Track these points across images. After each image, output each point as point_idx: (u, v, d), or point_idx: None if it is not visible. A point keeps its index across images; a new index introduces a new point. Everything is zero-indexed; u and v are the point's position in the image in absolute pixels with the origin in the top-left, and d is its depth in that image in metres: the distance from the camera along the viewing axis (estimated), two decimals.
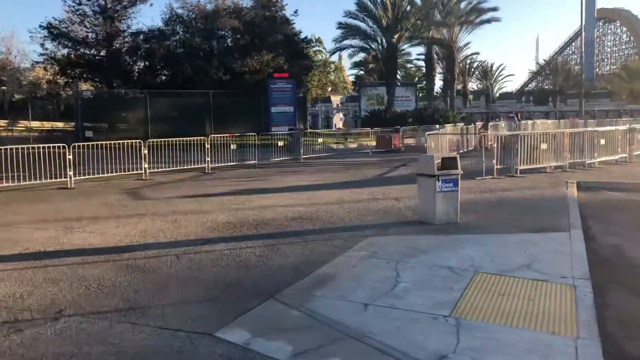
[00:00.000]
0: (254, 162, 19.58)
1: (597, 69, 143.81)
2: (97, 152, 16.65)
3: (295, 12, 36.49)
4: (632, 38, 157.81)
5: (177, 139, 18.00)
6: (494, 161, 14.69)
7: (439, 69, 77.41)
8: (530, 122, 34.04)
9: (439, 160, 8.43)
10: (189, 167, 17.68)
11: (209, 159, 17.89)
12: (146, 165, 16.16)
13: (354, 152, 24.56)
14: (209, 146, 17.95)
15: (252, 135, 20.22)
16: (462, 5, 44.14)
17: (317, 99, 59.56)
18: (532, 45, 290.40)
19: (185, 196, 12.41)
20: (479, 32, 53.52)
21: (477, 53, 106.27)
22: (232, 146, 18.86)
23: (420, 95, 61.18)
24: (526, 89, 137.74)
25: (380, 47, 38.42)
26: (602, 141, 16.73)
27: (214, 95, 29.26)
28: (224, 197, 12.10)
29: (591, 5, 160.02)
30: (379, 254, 6.70)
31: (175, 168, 17.38)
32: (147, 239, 7.95)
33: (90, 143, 18.03)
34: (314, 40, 46.40)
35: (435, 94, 73.25)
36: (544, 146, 15.23)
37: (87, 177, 15.28)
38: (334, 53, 37.03)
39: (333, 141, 26.33)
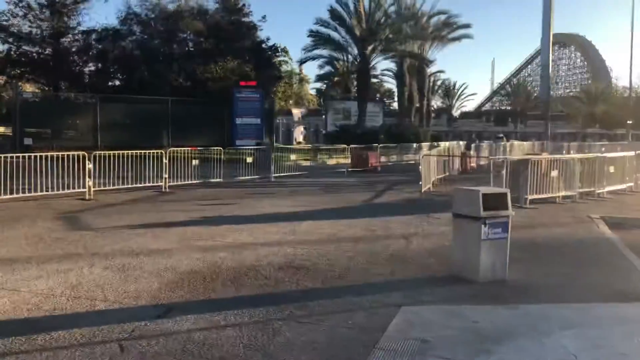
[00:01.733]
0: (218, 180, 17.12)
1: (552, 92, 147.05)
2: (33, 163, 13.81)
3: (263, 17, 34.34)
4: (585, 63, 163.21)
5: (130, 151, 15.34)
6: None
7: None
8: (507, 143, 32.73)
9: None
10: (143, 184, 15.07)
11: (166, 175, 15.32)
12: (90, 183, 13.46)
13: (328, 170, 22.37)
14: (166, 161, 15.38)
15: (216, 149, 17.72)
16: (434, 20, 43.01)
17: (279, 111, 57.33)
18: (487, 67, 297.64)
19: (138, 225, 9.86)
20: (444, 50, 52.88)
21: (442, 71, 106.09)
22: (193, 162, 16.33)
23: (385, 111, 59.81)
24: (483, 109, 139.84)
25: (352, 59, 36.57)
26: (612, 169, 15.11)
27: (173, 103, 26.65)
28: (186, 229, 9.63)
29: (547, 30, 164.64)
30: (434, 345, 4.44)
31: (126, 186, 14.72)
32: (78, 304, 5.45)
33: (24, 154, 15.16)
34: (279, 50, 44.23)
35: (393, 109, 72.22)
36: (554, 173, 13.43)
37: (15, 195, 12.50)
38: (303, 63, 35.07)
39: (304, 158, 24.08)
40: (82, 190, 13.40)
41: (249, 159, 18.29)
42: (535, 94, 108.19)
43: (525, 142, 36.60)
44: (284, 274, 6.68)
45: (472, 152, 24.16)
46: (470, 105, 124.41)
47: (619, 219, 11.52)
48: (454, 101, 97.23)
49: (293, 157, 21.27)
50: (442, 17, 44.00)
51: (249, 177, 18.39)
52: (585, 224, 10.75)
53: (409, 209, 12.50)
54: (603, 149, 33.78)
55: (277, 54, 36.83)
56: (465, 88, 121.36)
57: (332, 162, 25.86)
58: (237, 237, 8.97)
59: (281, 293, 5.90)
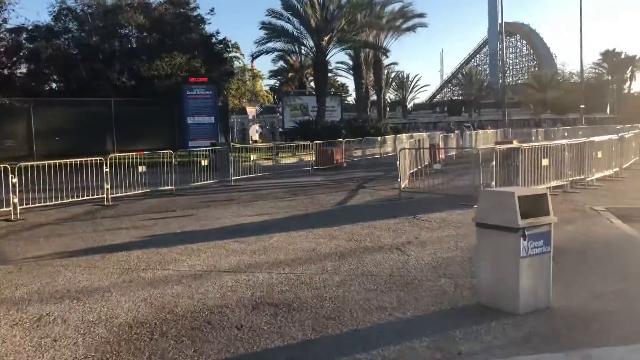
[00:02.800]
0: (171, 188, 15.17)
1: (500, 80, 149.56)
2: None
3: (211, 10, 31.96)
4: (531, 51, 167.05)
5: (65, 160, 13.24)
6: (493, 182, 11.38)
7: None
8: (473, 133, 31.78)
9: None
10: (82, 198, 13.00)
11: (108, 186, 13.30)
12: (16, 200, 11.36)
13: (292, 170, 20.65)
14: (107, 169, 13.35)
15: (166, 152, 15.73)
16: (389, 9, 41.71)
17: (232, 109, 55.17)
18: (436, 58, 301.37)
19: (69, 253, 7.98)
20: (399, 40, 51.78)
21: (395, 63, 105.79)
22: (140, 168, 14.33)
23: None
24: (434, 100, 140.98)
25: (307, 52, 34.88)
26: (599, 154, 14.03)
27: (116, 104, 24.35)
28: (131, 254, 7.80)
29: (494, 19, 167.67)
30: None
31: (61, 201, 12.64)
32: None
33: None
34: (230, 46, 42.01)
35: (347, 103, 70.99)
36: (545, 162, 12.18)
37: None
38: (256, 57, 33.10)
39: (264, 157, 22.29)
40: (7, 209, 11.30)
41: (204, 162, 16.39)
42: (486, 83, 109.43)
43: (489, 131, 35.86)
44: (261, 316, 5.00)
45: (441, 144, 22.92)
46: (422, 97, 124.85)
47: (625, 209, 10.34)
48: (408, 93, 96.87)
49: (253, 157, 19.45)
50: (397, 5, 42.85)
51: (206, 182, 16.51)
52: (594, 219, 9.48)
53: (391, 211, 10.99)
54: (566, 133, 33.35)
55: (228, 48, 34.87)
56: (418, 80, 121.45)
57: (294, 160, 24.19)
58: (195, 261, 7.21)
59: (261, 352, 4.23)
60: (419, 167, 17.70)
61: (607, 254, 7.11)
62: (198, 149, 19.22)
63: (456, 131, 29.41)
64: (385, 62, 57.84)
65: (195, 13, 30.23)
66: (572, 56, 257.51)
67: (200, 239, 8.72)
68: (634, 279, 5.94)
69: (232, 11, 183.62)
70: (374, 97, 61.00)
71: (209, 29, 31.81)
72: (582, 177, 13.50)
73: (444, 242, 8.02)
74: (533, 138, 27.21)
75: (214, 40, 30.56)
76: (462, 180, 14.42)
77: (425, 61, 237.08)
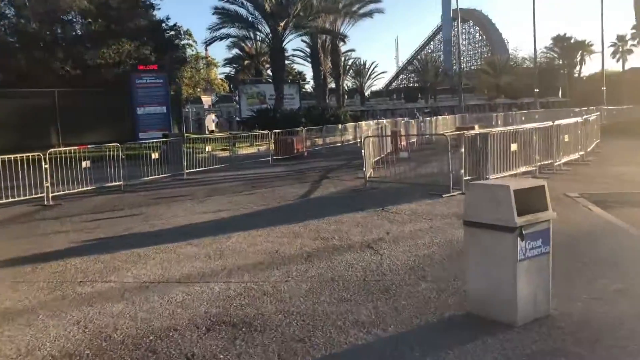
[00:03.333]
0: (118, 184, 14.06)
1: (455, 67, 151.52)
2: None
3: None
4: (484, 37, 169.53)
5: (1, 157, 12.01)
6: (462, 171, 10.83)
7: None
8: (433, 119, 31.45)
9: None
10: (19, 198, 11.80)
11: (48, 184, 12.13)
12: None
13: (250, 160, 19.72)
14: (47, 165, 12.18)
15: (112, 145, 14.55)
16: None
17: (187, 99, 53.54)
18: (390, 45, 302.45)
19: None
20: (355, 27, 50.91)
21: (352, 50, 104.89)
22: (84, 163, 13.17)
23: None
24: (390, 87, 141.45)
25: (264, 38, 33.75)
26: (566, 137, 13.72)
27: (60, 95, 22.79)
28: (67, 262, 6.85)
29: (447, 6, 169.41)
30: None
31: None
32: None
33: None
34: (182, 33, 40.34)
35: (305, 91, 69.97)
36: (513, 147, 11.73)
37: None
38: (209, 44, 31.72)
39: (221, 148, 21.28)
40: None
41: (155, 155, 15.30)
42: (441, 69, 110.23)
43: (448, 116, 35.71)
44: (216, 340, 4.20)
45: (402, 131, 22.39)
46: (379, 84, 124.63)
47: (599, 195, 9.95)
48: (365, 80, 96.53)
49: (208, 148, 18.42)
50: None
51: (157, 177, 15.44)
52: (572, 207, 9.03)
53: (358, 203, 10.31)
54: (523, 117, 33.50)
55: (180, 35, 33.40)
56: (375, 67, 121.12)
57: (253, 150, 23.26)
58: (141, 270, 6.33)
59: None
60: (382, 155, 17.15)
61: (595, 246, 6.62)
62: (149, 141, 18.05)
63: (418, 117, 29.01)
64: (343, 48, 57.18)
65: None
66: (524, 41, 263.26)
67: (148, 242, 7.80)
68: (632, 275, 5.41)
69: (190, 7, 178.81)
70: (332, 85, 60.36)
71: (159, 14, 30.35)
72: (550, 161, 13.16)
73: (418, 237, 7.38)
74: (493, 123, 27.05)
75: (164, 26, 29.10)
76: (428, 168, 13.92)
77: (380, 49, 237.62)
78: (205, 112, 75.49)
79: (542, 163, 12.88)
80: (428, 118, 29.45)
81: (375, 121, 31.63)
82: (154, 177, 15.30)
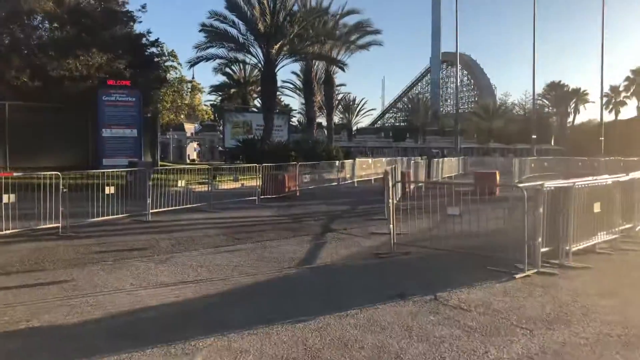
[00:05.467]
0: (56, 225, 10.52)
1: (442, 109, 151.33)
2: None
3: (143, 7, 26.87)
4: (472, 81, 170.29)
5: None
6: (538, 241, 7.56)
7: (301, 99, 72.09)
8: (440, 160, 28.46)
9: None
10: None
11: None
12: None
13: (233, 199, 16.19)
14: None
15: (51, 174, 10.99)
16: (344, 21, 38.05)
17: (169, 125, 50.12)
18: (376, 84, 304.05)
19: None
20: (352, 58, 48.10)
21: (343, 84, 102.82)
22: (5, 197, 9.63)
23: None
24: (376, 125, 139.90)
25: (255, 64, 30.70)
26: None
27: (11, 109, 19.27)
28: None
29: (437, 49, 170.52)
30: None
31: None
32: None
33: None
34: (166, 53, 37.12)
35: (291, 124, 66.83)
36: (596, 207, 8.56)
37: None
38: (194, 64, 28.42)
39: (199, 181, 17.81)
40: None
41: (109, 189, 11.75)
42: (431, 110, 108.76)
43: (453, 159, 32.83)
44: None
45: (411, 172, 19.28)
46: (364, 121, 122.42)
47: None
48: (354, 117, 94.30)
49: (181, 182, 14.92)
50: (352, 18, 39.17)
51: (111, 217, 11.91)
52: None
53: (391, 281, 7.01)
54: (545, 163, 30.72)
55: (164, 55, 30.25)
56: (365, 103, 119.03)
57: (236, 185, 19.80)
58: None
59: None
60: (398, 198, 13.89)
61: None
62: (109, 170, 14.57)
63: (420, 159, 26.03)
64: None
65: (122, 9, 25.54)
66: (512, 87, 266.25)
67: (45, 354, 4.34)
68: None
69: (172, 24, 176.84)
70: (319, 120, 57.49)
71: (140, 28, 27.25)
72: (631, 225, 10.01)
73: None
74: (513, 169, 24.10)
75: (144, 41, 25.95)
76: (467, 225, 10.62)
77: (366, 87, 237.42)
78: (187, 140, 72.11)
79: (623, 227, 9.72)
80: (436, 160, 26.43)
81: (376, 159, 28.54)
82: (107, 217, 11.76)
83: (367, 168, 25.71)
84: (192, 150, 72.88)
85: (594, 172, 26.92)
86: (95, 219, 11.50)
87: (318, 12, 30.79)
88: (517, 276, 7.14)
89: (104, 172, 12.64)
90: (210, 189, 16.13)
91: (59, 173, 10.74)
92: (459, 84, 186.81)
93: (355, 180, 23.98)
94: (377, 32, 38.85)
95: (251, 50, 29.67)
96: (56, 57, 21.03)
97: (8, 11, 20.72)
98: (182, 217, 13.03)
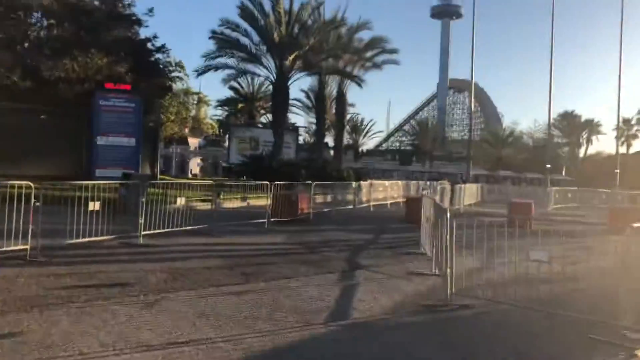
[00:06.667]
0: (24, 247, 8.54)
1: (448, 135, 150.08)
2: None
3: (150, 11, 25.18)
4: (479, 108, 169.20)
5: None
6: None
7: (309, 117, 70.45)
8: (463, 186, 26.51)
9: None
10: None
11: None
12: None
13: (239, 221, 14.16)
14: None
15: (21, 183, 9.04)
16: (359, 36, 36.30)
17: (172, 138, 48.35)
18: (380, 107, 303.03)
19: None
20: (366, 76, 46.27)
21: (352, 105, 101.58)
22: None
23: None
24: (381, 147, 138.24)
25: (268, 73, 28.93)
26: None
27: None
28: None
29: (444, 75, 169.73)
30: None
31: None
32: None
33: None
34: (173, 64, 35.41)
35: (299, 143, 65.09)
36: None
37: None
38: (202, 73, 26.73)
39: (202, 198, 15.82)
40: None
41: (92, 206, 9.77)
42: (440, 135, 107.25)
43: (474, 185, 30.90)
44: None
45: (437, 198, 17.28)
46: (370, 143, 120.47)
47: None
48: (361, 138, 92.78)
49: (180, 201, 12.92)
50: (367, 34, 37.47)
51: (95, 239, 9.90)
52: None
53: (462, 357, 4.99)
54: (557, 195, 28.76)
55: (167, 57, 28.20)
56: (373, 124, 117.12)
57: (242, 204, 17.85)
58: None
59: None
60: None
61: None
62: (101, 181, 12.63)
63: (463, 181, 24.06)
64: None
65: (128, 11, 23.92)
66: (520, 116, 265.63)
67: None
68: None
69: (181, 34, 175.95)
70: (326, 140, 55.69)
71: (145, 33, 25.56)
72: None
73: None
74: (547, 200, 22.16)
75: (149, 46, 24.27)
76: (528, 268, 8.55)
77: (371, 109, 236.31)
78: (190, 155, 70.35)
79: None
80: (460, 186, 24.50)
81: (402, 183, 26.59)
82: (90, 238, 9.76)
83: (383, 191, 23.75)
84: (194, 165, 71.11)
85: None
86: (75, 240, 9.51)
87: (334, 24, 29.11)
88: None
89: (89, 184, 10.69)
90: (213, 207, 14.10)
91: (30, 183, 8.79)
92: (466, 111, 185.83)
93: (372, 204, 22.01)
94: (393, 51, 37.26)
95: (263, 61, 28.02)
96: (52, 56, 19.29)
97: (2, 6, 19.03)
98: (180, 241, 11.04)
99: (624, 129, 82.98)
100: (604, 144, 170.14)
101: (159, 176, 22.02)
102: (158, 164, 23.76)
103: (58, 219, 9.56)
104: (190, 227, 12.04)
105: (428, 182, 29.14)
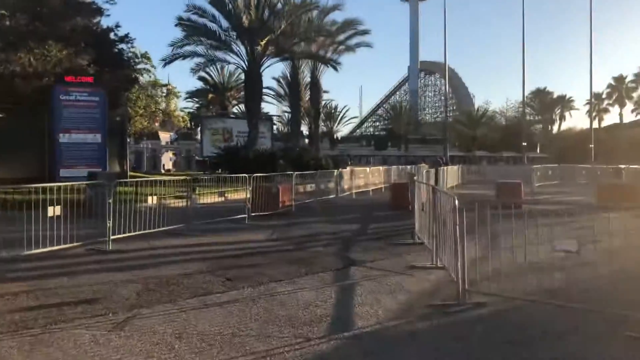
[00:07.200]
0: None
1: (421, 118, 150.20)
2: None
3: None
4: (450, 89, 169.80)
5: None
6: None
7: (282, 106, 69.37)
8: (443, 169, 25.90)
9: None
10: None
11: None
12: None
13: (217, 217, 13.18)
14: None
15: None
16: (330, 18, 35.19)
17: (142, 133, 46.82)
18: (352, 92, 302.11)
19: None
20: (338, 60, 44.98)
21: (327, 91, 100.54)
22: None
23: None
24: (355, 133, 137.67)
25: (239, 60, 27.73)
26: None
27: None
28: None
29: (415, 58, 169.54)
30: None
31: None
32: None
33: None
34: (138, 55, 33.83)
35: (273, 133, 63.84)
36: None
37: None
38: (170, 62, 25.36)
39: (176, 195, 14.80)
40: None
41: (53, 212, 8.75)
42: (413, 118, 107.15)
43: (455, 167, 30.43)
44: None
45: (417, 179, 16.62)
46: (344, 130, 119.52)
47: None
48: (336, 124, 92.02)
49: (152, 199, 11.91)
50: (339, 15, 36.50)
51: (59, 247, 8.87)
52: None
53: None
54: (538, 173, 28.46)
55: (132, 47, 26.64)
56: (347, 111, 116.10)
57: (219, 199, 16.91)
58: None
59: None
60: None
61: None
62: (65, 182, 11.56)
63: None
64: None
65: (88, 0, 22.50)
66: (491, 96, 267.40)
67: None
68: None
69: (146, 24, 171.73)
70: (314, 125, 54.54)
71: (107, 23, 24.22)
72: None
73: None
74: (530, 182, 21.72)
75: (112, 36, 22.94)
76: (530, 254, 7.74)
77: (344, 96, 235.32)
78: (162, 150, 68.61)
79: None
80: (442, 168, 23.90)
81: (382, 168, 25.87)
82: (52, 247, 8.75)
83: (364, 178, 23.01)
84: (167, 160, 69.44)
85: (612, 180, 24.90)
86: (35, 251, 8.48)
87: (306, 6, 27.99)
88: None
89: (52, 186, 9.63)
90: (189, 204, 13.06)
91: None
92: (437, 93, 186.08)
93: (354, 192, 21.25)
94: (366, 32, 36.32)
95: (233, 48, 26.85)
96: (4, 49, 17.92)
97: None
98: (154, 244, 10.10)
99: (596, 103, 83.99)
100: (577, 119, 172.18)
101: (129, 173, 20.90)
102: (127, 161, 22.55)
103: (16, 227, 8.52)
104: (164, 228, 11.07)
105: (409, 167, 28.54)
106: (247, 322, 5.46)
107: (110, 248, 9.45)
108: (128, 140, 33.40)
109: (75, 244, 9.14)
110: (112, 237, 9.60)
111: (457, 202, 6.11)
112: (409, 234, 10.71)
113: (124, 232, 9.98)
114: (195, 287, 6.90)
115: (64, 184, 10.39)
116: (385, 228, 12.75)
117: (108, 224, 9.53)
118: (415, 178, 10.91)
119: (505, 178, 23.89)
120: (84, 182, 12.26)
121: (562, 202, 18.31)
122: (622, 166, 28.38)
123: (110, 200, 9.65)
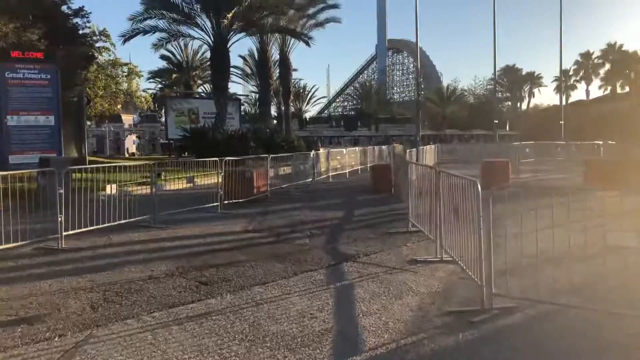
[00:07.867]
0: None
1: (390, 97, 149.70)
2: None
3: None
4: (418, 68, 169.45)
5: None
6: None
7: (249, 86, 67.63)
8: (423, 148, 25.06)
9: None
10: None
11: None
12: None
13: (187, 206, 11.91)
14: None
15: None
16: None
17: (103, 115, 44.56)
18: (320, 72, 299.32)
19: None
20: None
21: (295, 69, 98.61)
22: None
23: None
24: (323, 114, 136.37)
25: (205, 36, 26.11)
26: None
27: None
28: None
29: (382, 36, 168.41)
30: None
31: None
32: None
33: None
34: (97, 32, 31.70)
35: (241, 114, 61.96)
36: None
37: None
38: (130, 37, 23.62)
39: (139, 181, 13.43)
40: None
41: None
42: (382, 98, 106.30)
43: (432, 146, 29.71)
44: None
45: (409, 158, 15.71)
46: (313, 110, 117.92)
47: None
48: (305, 104, 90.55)
49: (110, 188, 10.59)
50: None
51: (2, 247, 7.55)
52: None
53: None
54: (527, 149, 28.06)
55: (88, 22, 24.68)
56: (316, 90, 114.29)
57: (187, 185, 15.64)
58: None
59: None
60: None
61: None
62: (16, 171, 10.18)
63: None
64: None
65: None
66: (458, 74, 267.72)
67: None
68: None
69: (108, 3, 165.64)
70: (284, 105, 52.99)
71: None
72: None
73: None
74: (513, 160, 21.01)
75: (65, 9, 21.08)
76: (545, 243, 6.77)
77: (309, 74, 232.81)
78: (125, 133, 66.13)
79: None
80: (422, 147, 23.02)
81: (358, 149, 24.86)
82: None
83: (340, 160, 21.98)
84: (131, 143, 67.03)
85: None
86: None
87: None
88: None
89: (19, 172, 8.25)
90: (153, 191, 11.68)
91: None
92: (406, 72, 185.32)
93: (331, 174, 20.21)
94: (335, 6, 35.01)
95: (198, 21, 25.21)
96: None
97: None
98: (115, 240, 8.86)
99: (563, 80, 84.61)
100: (545, 96, 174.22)
101: (88, 158, 19.36)
102: (86, 145, 20.88)
103: None
104: (127, 220, 9.80)
105: (385, 147, 27.64)
106: (230, 344, 4.37)
107: (62, 246, 8.18)
108: (88, 123, 31.57)
109: (21, 242, 7.83)
110: (64, 234, 8.31)
111: (479, 187, 5.08)
112: (400, 221, 9.76)
113: (79, 227, 8.68)
114: (164, 294, 5.76)
115: (14, 172, 9.07)
116: (372, 214, 11.76)
117: (60, 218, 8.22)
118: (407, 158, 9.88)
119: (485, 157, 23.21)
120: (37, 170, 10.88)
121: (548, 180, 17.73)
122: (600, 142, 28.10)
123: (62, 190, 8.33)
